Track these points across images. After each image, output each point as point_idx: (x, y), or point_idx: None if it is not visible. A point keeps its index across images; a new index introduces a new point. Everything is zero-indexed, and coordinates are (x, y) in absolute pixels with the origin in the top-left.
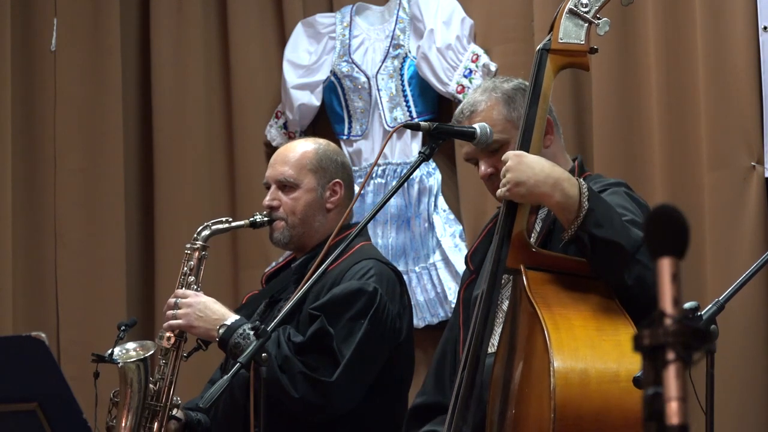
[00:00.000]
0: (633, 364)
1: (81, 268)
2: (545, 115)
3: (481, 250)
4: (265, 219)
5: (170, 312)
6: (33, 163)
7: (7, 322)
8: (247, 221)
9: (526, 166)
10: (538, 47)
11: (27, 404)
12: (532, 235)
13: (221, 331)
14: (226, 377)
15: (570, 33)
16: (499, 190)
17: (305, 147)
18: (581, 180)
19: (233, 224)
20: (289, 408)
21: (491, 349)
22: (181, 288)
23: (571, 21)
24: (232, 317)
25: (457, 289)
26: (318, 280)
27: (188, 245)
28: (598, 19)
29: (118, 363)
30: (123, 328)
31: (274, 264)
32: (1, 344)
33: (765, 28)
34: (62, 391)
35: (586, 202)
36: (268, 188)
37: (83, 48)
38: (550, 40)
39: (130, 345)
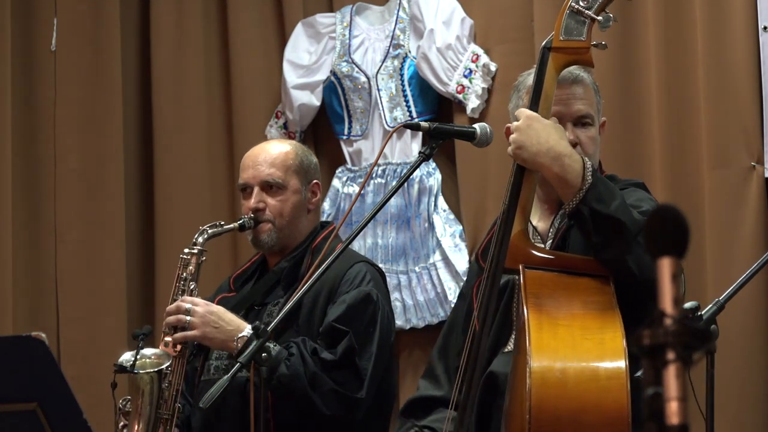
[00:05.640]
0: (613, 362)
1: (81, 268)
2: (548, 114)
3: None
4: (252, 221)
5: (173, 319)
6: (33, 163)
7: (7, 322)
8: (236, 224)
9: (533, 131)
10: (541, 45)
11: (27, 404)
12: (550, 232)
13: (239, 343)
14: (226, 377)
15: (571, 30)
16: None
17: (284, 148)
18: (585, 157)
19: (225, 227)
20: (315, 423)
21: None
22: (182, 294)
23: (572, 18)
24: (248, 328)
25: (457, 289)
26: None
27: (186, 250)
28: (601, 14)
29: (138, 373)
30: (141, 337)
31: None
32: (1, 344)
33: (765, 28)
34: (62, 391)
35: (590, 177)
36: (243, 191)
37: (83, 48)
38: (552, 38)
39: (148, 351)
